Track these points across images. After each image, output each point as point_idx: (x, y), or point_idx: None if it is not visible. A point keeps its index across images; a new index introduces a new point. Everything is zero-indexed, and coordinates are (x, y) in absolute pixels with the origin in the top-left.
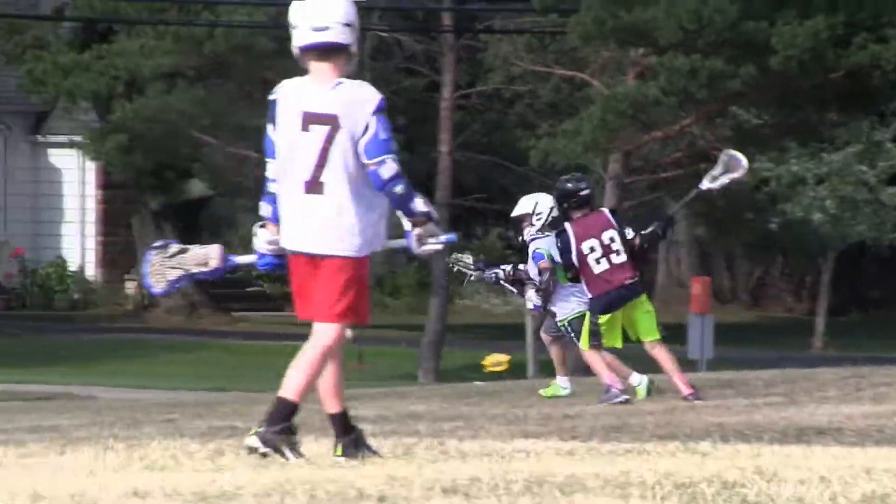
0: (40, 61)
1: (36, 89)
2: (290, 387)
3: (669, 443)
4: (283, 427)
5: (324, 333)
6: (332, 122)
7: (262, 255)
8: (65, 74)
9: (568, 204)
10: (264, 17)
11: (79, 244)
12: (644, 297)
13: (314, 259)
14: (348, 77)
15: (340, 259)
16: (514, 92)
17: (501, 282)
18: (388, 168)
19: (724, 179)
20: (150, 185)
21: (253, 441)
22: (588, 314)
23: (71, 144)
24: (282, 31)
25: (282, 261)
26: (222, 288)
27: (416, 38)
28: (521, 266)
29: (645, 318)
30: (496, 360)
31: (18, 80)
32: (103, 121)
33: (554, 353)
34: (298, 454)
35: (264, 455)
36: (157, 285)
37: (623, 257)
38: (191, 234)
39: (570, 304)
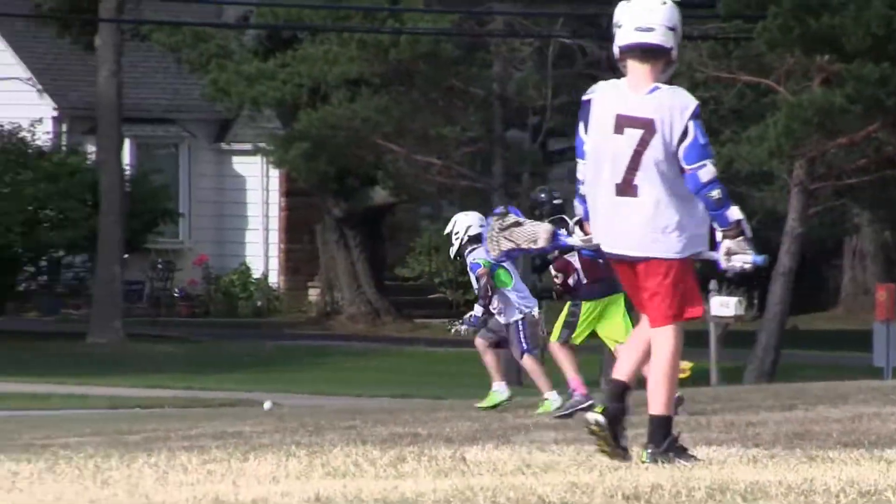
0: (224, 70)
1: (220, 98)
2: (657, 403)
3: (854, 450)
4: (668, 443)
5: (664, 339)
6: (647, 126)
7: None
8: (249, 83)
9: (541, 212)
10: (449, 25)
11: (262, 251)
12: (623, 296)
13: (633, 263)
14: (665, 83)
15: (661, 261)
16: (697, 98)
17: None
18: (707, 172)
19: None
20: (333, 192)
21: (649, 460)
22: (567, 306)
23: (255, 152)
24: (466, 38)
25: (599, 252)
26: (404, 295)
27: (600, 43)
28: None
29: (622, 319)
30: (679, 367)
31: (203, 89)
32: (287, 128)
33: (488, 360)
34: (692, 457)
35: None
36: (493, 252)
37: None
38: (374, 242)
39: (513, 308)
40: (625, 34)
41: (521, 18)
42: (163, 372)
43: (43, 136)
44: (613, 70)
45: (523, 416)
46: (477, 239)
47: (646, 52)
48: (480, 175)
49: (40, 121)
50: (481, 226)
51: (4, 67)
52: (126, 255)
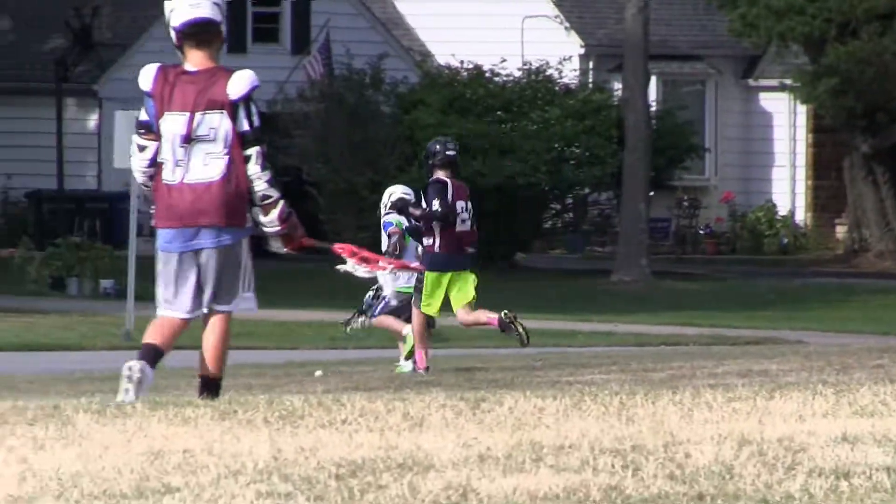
0: (753, 5)
1: (747, 33)
2: None
3: None
4: None
5: None
6: None
7: None
8: (777, 17)
9: (433, 161)
10: None
11: (788, 188)
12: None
13: None
14: None
15: None
16: None
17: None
18: None
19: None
20: (861, 129)
21: None
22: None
23: (781, 88)
24: None
25: None
26: None
27: None
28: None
29: (470, 286)
30: None
31: (730, 24)
32: (815, 64)
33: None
34: None
35: None
36: None
37: (470, 226)
38: None
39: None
40: None
41: None
42: (688, 309)
43: (570, 73)
44: None
45: None
46: (395, 205)
47: None
48: None
49: (569, 58)
50: (405, 193)
51: (533, 5)
52: (651, 193)
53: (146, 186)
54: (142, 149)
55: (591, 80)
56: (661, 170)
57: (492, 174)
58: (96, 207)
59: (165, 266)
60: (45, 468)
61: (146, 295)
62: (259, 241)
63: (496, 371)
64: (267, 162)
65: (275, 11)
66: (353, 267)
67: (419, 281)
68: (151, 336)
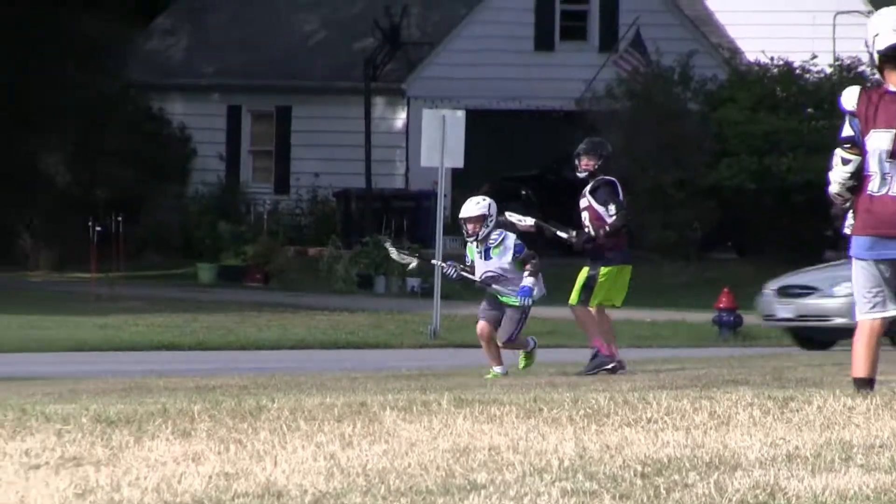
0: None
1: None
2: None
3: None
4: None
5: None
6: None
7: None
8: None
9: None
10: None
11: None
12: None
13: None
14: None
15: None
16: None
17: (462, 273)
18: None
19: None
20: None
21: None
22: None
23: None
24: None
25: None
26: None
27: None
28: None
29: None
30: None
31: None
32: None
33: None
34: None
35: None
36: None
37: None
38: None
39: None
40: None
41: None
42: None
43: None
44: None
45: None
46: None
47: None
48: None
49: None
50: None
51: (845, 0)
52: None
53: (839, 197)
54: (846, 162)
55: None
56: None
57: (801, 171)
58: (403, 206)
59: (860, 272)
60: (353, 464)
61: (452, 294)
62: None
63: (805, 369)
64: None
65: (583, 9)
66: None
67: (591, 279)
68: (857, 368)
